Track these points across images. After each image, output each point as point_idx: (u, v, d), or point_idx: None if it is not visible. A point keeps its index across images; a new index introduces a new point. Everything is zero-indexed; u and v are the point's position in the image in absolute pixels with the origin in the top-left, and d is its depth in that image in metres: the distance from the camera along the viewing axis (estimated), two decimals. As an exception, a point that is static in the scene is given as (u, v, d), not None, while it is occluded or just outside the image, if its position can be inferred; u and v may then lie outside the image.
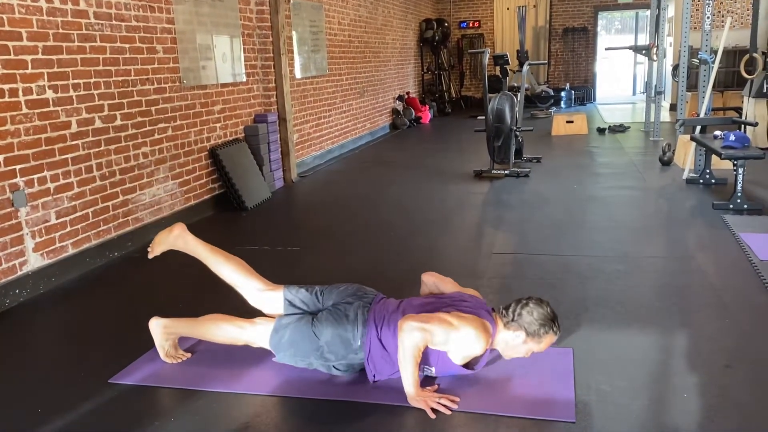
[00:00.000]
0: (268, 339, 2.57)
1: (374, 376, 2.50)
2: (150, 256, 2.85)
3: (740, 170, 4.85)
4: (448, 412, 2.29)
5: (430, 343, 2.35)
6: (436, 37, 13.19)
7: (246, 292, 2.75)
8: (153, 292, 3.70)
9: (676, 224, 4.72)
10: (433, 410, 2.29)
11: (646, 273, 3.68)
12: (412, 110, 11.76)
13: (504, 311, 2.51)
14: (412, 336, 2.31)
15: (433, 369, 2.50)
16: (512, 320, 2.47)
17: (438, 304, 2.55)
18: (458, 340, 2.36)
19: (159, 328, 2.74)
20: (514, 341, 2.47)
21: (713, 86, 6.47)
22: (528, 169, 6.62)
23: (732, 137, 5.09)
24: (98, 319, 3.34)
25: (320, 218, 5.39)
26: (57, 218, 3.87)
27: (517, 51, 13.14)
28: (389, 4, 11.05)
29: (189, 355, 2.82)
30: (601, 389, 2.41)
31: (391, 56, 11.19)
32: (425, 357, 2.44)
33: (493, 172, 6.63)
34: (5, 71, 3.49)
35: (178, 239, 2.81)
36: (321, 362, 2.53)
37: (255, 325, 2.61)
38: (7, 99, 3.50)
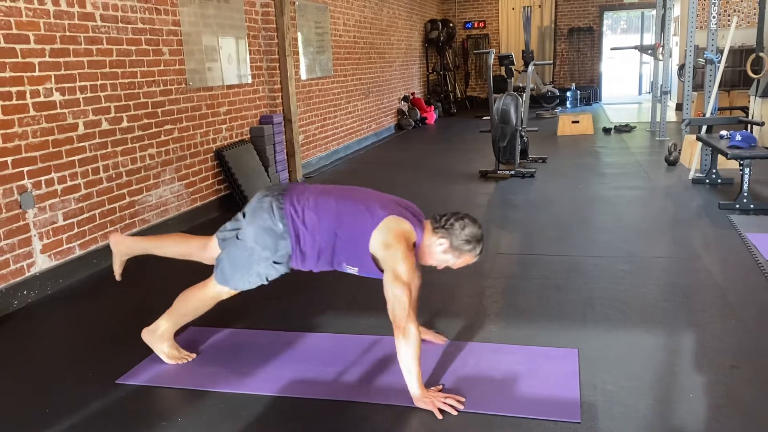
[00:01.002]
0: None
1: (299, 262, 2.51)
2: (118, 278, 2.93)
3: (746, 170, 4.83)
4: (455, 413, 2.30)
5: (410, 293, 2.32)
6: (441, 38, 13.19)
7: (195, 257, 2.82)
8: (160, 292, 3.71)
9: (682, 224, 4.71)
10: (441, 411, 2.30)
11: (652, 273, 3.68)
12: (417, 111, 11.76)
13: (437, 217, 2.51)
14: (410, 329, 2.31)
15: (356, 269, 2.50)
16: (442, 227, 2.46)
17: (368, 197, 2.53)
18: (389, 260, 2.35)
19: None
20: (434, 248, 2.46)
21: (719, 86, 6.45)
22: (533, 169, 6.62)
23: (738, 137, 5.08)
24: (105, 320, 3.36)
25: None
26: (64, 219, 3.89)
27: (522, 51, 13.14)
28: (394, 5, 11.06)
29: (194, 355, 2.83)
30: (607, 389, 2.41)
31: (396, 57, 11.20)
32: (349, 257, 2.46)
33: (498, 172, 6.63)
34: (13, 74, 3.51)
35: (119, 246, 2.86)
36: (264, 266, 2.51)
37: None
38: (14, 101, 3.53)
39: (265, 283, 2.59)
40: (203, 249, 2.78)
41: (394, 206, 2.48)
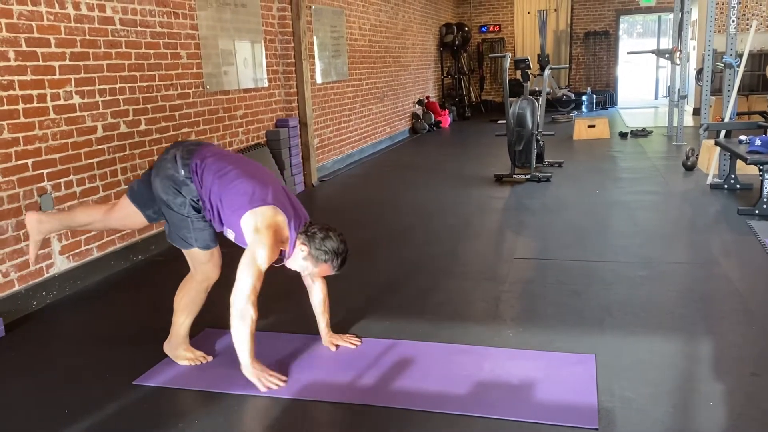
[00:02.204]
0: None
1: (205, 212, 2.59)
2: (33, 262, 3.04)
3: (766, 175, 4.77)
4: (276, 388, 2.47)
5: (258, 284, 2.43)
6: (457, 42, 13.18)
7: (108, 223, 2.88)
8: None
9: (700, 230, 4.66)
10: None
11: (671, 279, 3.64)
12: (432, 115, 11.75)
13: (309, 225, 2.62)
14: (246, 309, 2.40)
15: (234, 235, 2.57)
16: (305, 233, 2.57)
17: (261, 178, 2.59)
18: (252, 243, 2.45)
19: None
20: (297, 252, 2.59)
21: (738, 90, 6.39)
22: (549, 174, 6.59)
23: (758, 142, 5.02)
24: (123, 321, 3.38)
25: (340, 222, 5.37)
26: (83, 221, 3.92)
27: (538, 55, 13.10)
28: (410, 9, 11.07)
29: (210, 357, 2.84)
30: (625, 396, 2.39)
31: (411, 61, 11.20)
32: (229, 222, 2.53)
33: (514, 176, 6.60)
34: (34, 77, 3.56)
35: (36, 225, 2.85)
36: (188, 210, 2.58)
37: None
38: (35, 104, 3.57)
39: (203, 221, 2.61)
40: (111, 212, 2.84)
41: (280, 198, 2.57)
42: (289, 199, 2.64)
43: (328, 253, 2.57)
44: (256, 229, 2.45)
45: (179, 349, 2.82)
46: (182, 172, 2.57)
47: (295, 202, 2.69)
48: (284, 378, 2.57)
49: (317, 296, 2.92)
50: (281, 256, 2.64)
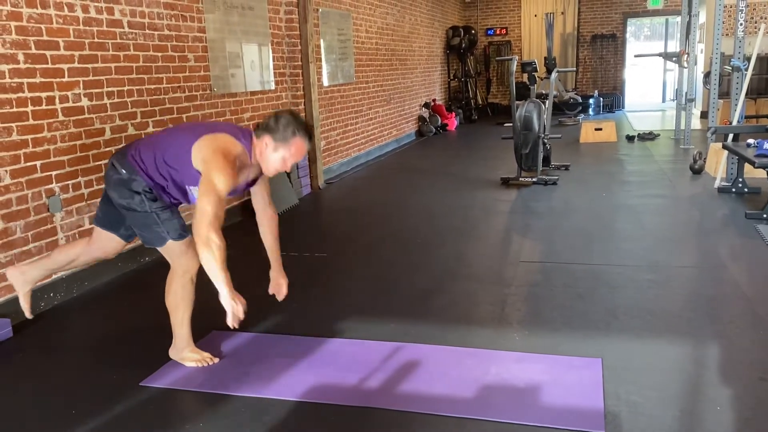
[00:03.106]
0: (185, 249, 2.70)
1: (163, 194, 2.63)
2: (29, 315, 3.00)
3: (774, 179, 4.75)
4: (239, 319, 2.43)
5: (219, 213, 2.39)
6: (463, 45, 13.18)
7: (92, 255, 2.93)
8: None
9: (707, 233, 4.64)
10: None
11: (678, 283, 3.63)
12: (439, 117, 11.75)
13: (259, 123, 2.58)
14: (210, 239, 2.35)
15: (196, 188, 2.54)
16: (260, 130, 2.54)
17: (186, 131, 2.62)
18: (205, 172, 2.43)
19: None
20: (265, 150, 2.54)
21: (746, 93, 6.36)
22: (556, 177, 6.58)
23: (766, 145, 5.00)
24: (130, 323, 3.39)
25: (347, 225, 5.42)
26: (90, 223, 3.94)
27: (545, 58, 13.06)
28: (416, 12, 11.08)
29: (216, 359, 2.85)
30: (631, 400, 2.38)
31: (417, 63, 11.21)
32: (184, 177, 2.56)
33: (520, 179, 6.59)
34: (43, 80, 3.58)
35: (20, 278, 2.91)
36: (148, 205, 2.61)
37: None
38: (44, 107, 3.59)
39: (168, 211, 2.64)
40: (90, 243, 2.91)
41: (218, 126, 2.59)
42: (225, 125, 2.66)
43: (289, 126, 2.51)
44: (205, 158, 2.44)
45: (185, 351, 2.83)
46: (124, 172, 2.60)
47: (232, 125, 2.72)
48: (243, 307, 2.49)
49: (269, 224, 2.89)
50: (248, 182, 2.66)
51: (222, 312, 2.90)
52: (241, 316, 2.44)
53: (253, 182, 2.77)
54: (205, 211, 2.36)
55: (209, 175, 2.41)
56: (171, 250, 2.71)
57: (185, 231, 2.70)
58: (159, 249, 2.73)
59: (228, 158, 2.45)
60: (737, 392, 2.42)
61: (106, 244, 2.89)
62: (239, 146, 2.53)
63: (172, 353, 2.86)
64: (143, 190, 2.60)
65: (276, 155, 2.55)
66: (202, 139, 2.51)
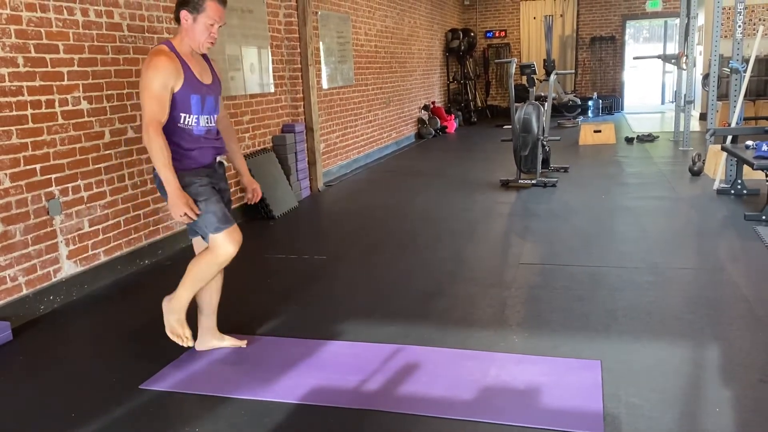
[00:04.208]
0: (221, 239, 2.72)
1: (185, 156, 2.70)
2: (191, 343, 2.92)
3: (773, 181, 4.76)
4: (188, 219, 2.58)
5: (157, 113, 2.54)
6: (462, 47, 13.20)
7: (222, 263, 2.85)
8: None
9: (707, 235, 4.65)
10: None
11: (677, 284, 3.63)
12: (438, 120, 11.76)
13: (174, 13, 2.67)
14: (147, 134, 2.52)
15: (183, 115, 2.65)
16: (176, 9, 2.61)
17: None
18: (151, 83, 2.54)
19: (168, 309, 2.87)
20: (187, 26, 2.61)
21: (745, 95, 6.37)
22: (555, 179, 6.58)
23: (765, 147, 5.00)
24: (129, 326, 3.39)
25: (346, 227, 5.42)
26: (90, 226, 3.95)
27: (544, 60, 13.08)
28: (415, 15, 11.10)
29: (192, 342, 2.87)
30: (631, 402, 2.38)
31: (416, 66, 11.22)
32: (186, 107, 2.64)
33: (519, 181, 6.60)
34: (43, 83, 3.59)
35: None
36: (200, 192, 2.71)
37: (209, 248, 2.77)
38: (44, 110, 3.60)
39: (203, 202, 2.68)
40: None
41: None
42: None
43: None
44: (141, 75, 2.59)
45: (172, 316, 2.85)
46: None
47: None
48: (194, 215, 2.62)
49: (229, 126, 2.99)
50: (208, 86, 2.72)
51: (230, 315, 2.91)
52: (183, 215, 2.57)
53: (215, 86, 2.79)
54: (144, 108, 2.55)
55: (141, 78, 2.57)
56: (213, 241, 2.71)
57: (223, 223, 2.70)
58: (204, 239, 2.79)
59: (155, 53, 2.57)
60: (736, 394, 2.42)
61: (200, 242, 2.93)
62: (163, 47, 2.62)
63: (164, 303, 2.88)
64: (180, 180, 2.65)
65: (199, 25, 2.62)
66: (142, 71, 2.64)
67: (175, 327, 2.84)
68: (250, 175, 3.03)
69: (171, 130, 2.65)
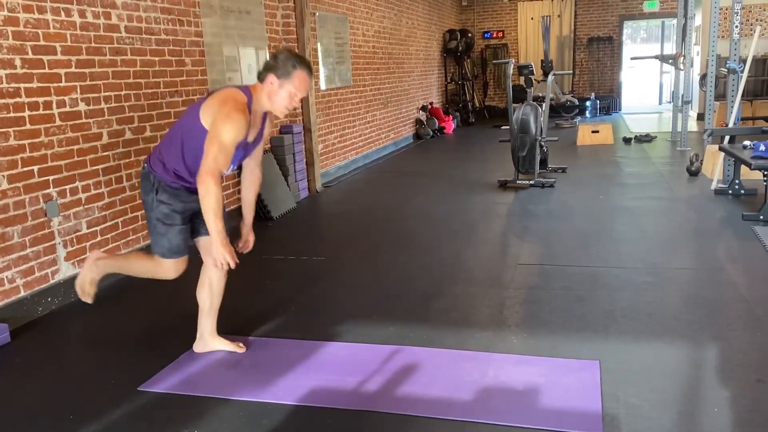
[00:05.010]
0: (168, 265, 2.77)
1: (173, 176, 2.67)
2: (91, 301, 3.01)
3: (771, 180, 4.76)
4: (230, 266, 2.56)
5: (222, 165, 2.47)
6: (460, 48, 13.20)
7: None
8: (181, 300, 3.74)
9: (705, 235, 4.65)
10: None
11: (676, 285, 3.64)
12: (436, 120, 11.77)
13: (259, 72, 2.62)
14: (207, 184, 2.44)
15: None
16: (262, 72, 2.58)
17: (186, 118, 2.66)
18: (213, 122, 2.47)
19: (93, 265, 2.92)
20: (271, 90, 2.57)
21: (742, 95, 6.38)
22: (553, 180, 6.59)
23: (762, 147, 5.01)
24: (127, 327, 3.39)
25: (345, 228, 5.42)
26: (88, 228, 3.94)
27: (542, 61, 13.10)
28: (413, 16, 11.10)
29: (90, 299, 2.98)
30: (630, 402, 2.39)
31: (414, 67, 11.23)
32: (200, 140, 2.53)
33: (517, 182, 6.60)
34: (40, 84, 3.58)
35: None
36: (154, 206, 2.69)
37: (155, 260, 2.79)
38: (41, 111, 3.59)
39: (172, 224, 2.70)
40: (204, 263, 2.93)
41: (219, 88, 2.66)
42: (228, 86, 2.74)
43: (289, 60, 2.56)
44: (212, 112, 2.48)
45: (88, 273, 2.91)
46: (145, 166, 2.73)
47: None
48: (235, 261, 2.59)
49: (253, 181, 2.93)
50: (249, 142, 2.68)
51: (231, 317, 2.91)
52: (225, 263, 2.53)
53: (255, 144, 2.77)
54: (209, 155, 2.44)
55: (215, 124, 2.47)
56: (157, 260, 2.76)
57: (171, 253, 2.73)
58: (165, 271, 2.82)
59: (237, 105, 2.49)
60: (735, 394, 2.42)
61: (209, 246, 2.88)
62: (243, 95, 2.57)
63: (91, 258, 2.97)
64: (156, 186, 2.66)
65: (282, 92, 2.58)
66: (209, 99, 2.57)
67: (86, 284, 2.92)
68: (251, 229, 2.98)
69: (188, 157, 2.62)
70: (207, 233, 2.77)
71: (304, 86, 2.59)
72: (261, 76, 2.58)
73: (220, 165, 2.46)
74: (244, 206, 2.97)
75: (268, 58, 2.61)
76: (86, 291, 2.93)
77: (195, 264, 2.91)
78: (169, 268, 2.77)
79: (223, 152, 2.45)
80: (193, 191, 2.67)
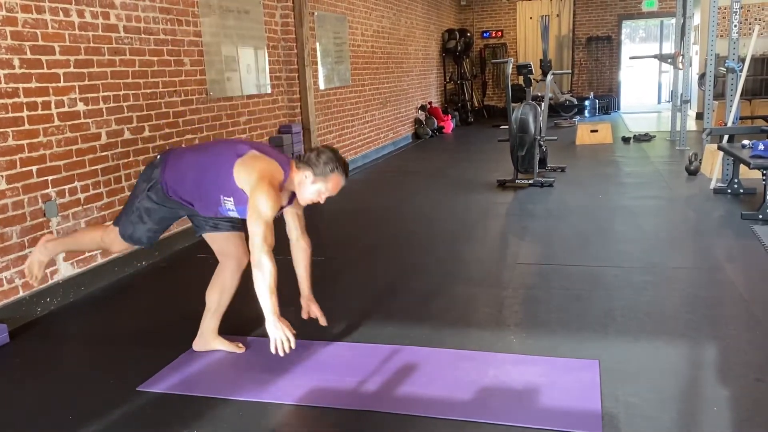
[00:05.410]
0: (120, 240, 2.79)
1: (173, 197, 2.66)
2: (36, 282, 3.01)
3: (770, 180, 4.77)
4: (282, 353, 2.45)
5: (271, 240, 2.47)
6: (459, 47, 13.20)
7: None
8: (180, 300, 3.74)
9: (703, 235, 4.65)
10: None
11: (674, 284, 3.64)
12: (435, 120, 11.77)
13: (300, 156, 2.66)
14: (266, 265, 2.43)
15: (232, 199, 2.59)
16: (302, 162, 2.61)
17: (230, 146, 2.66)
18: (252, 197, 2.47)
19: (42, 247, 2.91)
20: (304, 182, 2.61)
21: (741, 95, 6.39)
22: (552, 179, 6.59)
23: (761, 146, 5.02)
24: (126, 327, 3.39)
25: (343, 228, 5.41)
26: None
27: (541, 60, 13.11)
28: (412, 15, 11.10)
29: (36, 284, 3.05)
30: (629, 401, 2.39)
31: (413, 66, 11.23)
32: (221, 187, 2.57)
33: (516, 181, 6.61)
34: (38, 84, 3.58)
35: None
36: (141, 198, 2.68)
37: (107, 230, 2.83)
38: (40, 111, 3.59)
39: (144, 223, 2.71)
40: (221, 262, 2.93)
41: (261, 146, 2.64)
42: (268, 146, 2.70)
43: (329, 163, 2.58)
44: (251, 182, 2.48)
45: (44, 259, 2.91)
46: (158, 157, 2.74)
47: (269, 145, 2.76)
48: (292, 335, 2.52)
49: (302, 254, 2.96)
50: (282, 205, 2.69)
51: (232, 317, 2.90)
52: (286, 346, 2.46)
53: (281, 209, 2.77)
54: (258, 235, 2.44)
55: (257, 201, 2.45)
56: (115, 234, 2.78)
57: (130, 239, 2.76)
58: (113, 222, 2.83)
59: (273, 184, 2.50)
60: (734, 393, 2.42)
61: (225, 248, 2.90)
62: (282, 174, 2.57)
63: (39, 245, 2.95)
64: (154, 182, 2.64)
65: (313, 188, 2.62)
66: (248, 156, 2.54)
67: (34, 265, 2.90)
68: (311, 296, 3.01)
69: (203, 195, 2.62)
70: (213, 229, 2.78)
71: (335, 189, 2.66)
72: (298, 166, 2.60)
73: (270, 242, 2.46)
74: (299, 280, 2.99)
75: (312, 152, 2.62)
76: (34, 273, 2.92)
77: (196, 263, 2.90)
78: (118, 243, 2.80)
79: (270, 229, 2.47)
80: (189, 205, 2.68)
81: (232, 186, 2.54)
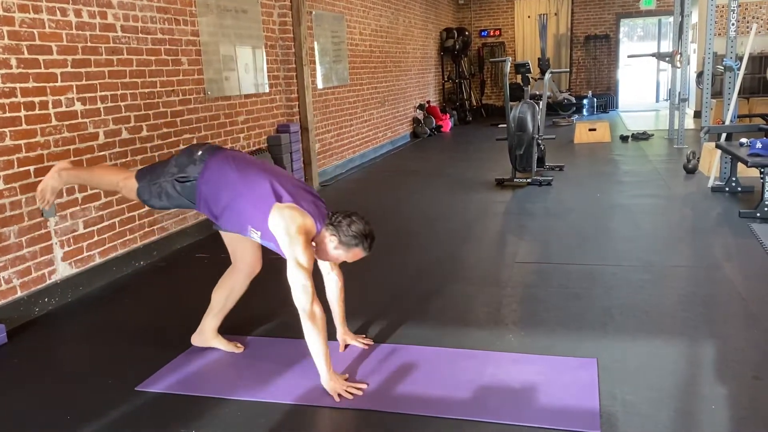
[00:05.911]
0: (135, 195, 2.77)
1: (201, 205, 2.65)
2: (47, 207, 3.03)
3: (767, 178, 4.77)
4: (350, 397, 2.47)
5: (312, 292, 2.48)
6: (457, 46, 13.20)
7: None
8: (179, 300, 3.75)
9: (701, 233, 4.66)
10: (345, 399, 2.48)
11: (672, 282, 3.64)
12: (433, 119, 11.77)
13: (332, 215, 2.61)
14: (314, 325, 2.48)
15: (259, 233, 2.57)
16: (332, 224, 2.58)
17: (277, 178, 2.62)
18: (290, 250, 2.47)
19: (56, 175, 2.87)
20: (327, 243, 2.59)
21: (739, 93, 6.39)
22: (550, 178, 6.59)
23: (759, 144, 5.02)
24: (125, 327, 3.38)
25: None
26: (85, 228, 3.94)
27: (539, 59, 13.12)
28: (410, 14, 11.10)
29: (47, 211, 3.08)
30: (627, 400, 2.39)
31: (411, 65, 11.22)
32: (252, 219, 2.56)
33: (515, 180, 6.61)
34: (36, 84, 3.57)
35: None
36: (167, 179, 2.66)
37: (128, 180, 2.80)
38: (37, 111, 3.58)
39: (161, 201, 2.71)
40: (232, 266, 2.95)
41: (300, 194, 2.60)
42: (305, 191, 2.66)
43: (357, 237, 2.57)
44: (288, 234, 2.46)
45: (58, 188, 2.90)
46: (199, 152, 2.68)
47: (311, 191, 2.71)
48: (362, 386, 2.55)
49: (334, 288, 2.95)
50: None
51: (231, 317, 2.90)
52: (348, 395, 2.49)
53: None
54: (305, 286, 2.45)
55: (294, 253, 2.45)
56: (132, 183, 2.75)
57: (145, 199, 2.75)
58: (136, 172, 2.81)
59: (308, 239, 2.51)
60: (732, 391, 2.43)
61: (242, 252, 2.90)
62: (315, 230, 2.56)
63: (55, 169, 2.90)
64: (186, 176, 2.63)
65: (334, 252, 2.62)
66: (286, 207, 2.50)
67: (47, 190, 2.86)
68: (347, 329, 3.02)
69: (237, 214, 2.59)
70: (225, 228, 2.74)
71: (353, 259, 2.66)
72: (328, 228, 2.58)
73: (311, 294, 2.47)
74: (334, 316, 2.98)
75: (346, 218, 2.58)
76: (47, 198, 2.88)
77: (194, 263, 2.90)
78: (133, 195, 2.79)
79: (310, 278, 2.47)
80: (213, 218, 2.68)
81: (264, 225, 2.52)
